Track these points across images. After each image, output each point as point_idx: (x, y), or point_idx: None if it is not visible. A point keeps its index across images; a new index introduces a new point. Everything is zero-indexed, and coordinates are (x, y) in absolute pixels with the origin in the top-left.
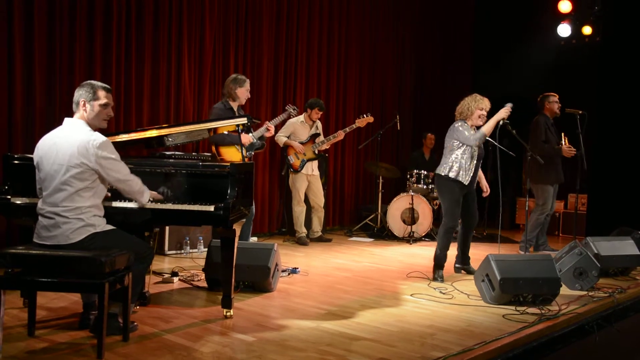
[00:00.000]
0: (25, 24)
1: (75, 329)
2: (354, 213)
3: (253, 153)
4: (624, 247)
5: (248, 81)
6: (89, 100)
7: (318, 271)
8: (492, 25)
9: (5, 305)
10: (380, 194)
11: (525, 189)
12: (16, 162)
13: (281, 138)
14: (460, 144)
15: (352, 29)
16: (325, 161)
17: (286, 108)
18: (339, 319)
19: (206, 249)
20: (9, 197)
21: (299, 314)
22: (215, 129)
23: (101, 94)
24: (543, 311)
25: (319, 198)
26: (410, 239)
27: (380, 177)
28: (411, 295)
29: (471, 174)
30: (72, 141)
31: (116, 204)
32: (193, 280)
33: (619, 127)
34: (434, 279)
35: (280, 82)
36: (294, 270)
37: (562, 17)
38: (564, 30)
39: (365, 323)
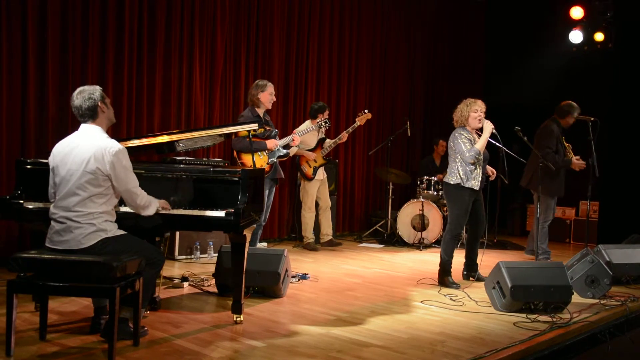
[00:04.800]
0: (39, 31)
1: (86, 333)
2: (364, 219)
3: (276, 160)
4: (636, 254)
5: (270, 85)
6: (102, 100)
7: (328, 277)
8: (504, 32)
9: (17, 309)
10: (390, 200)
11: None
12: (29, 167)
13: (292, 148)
14: None
15: (363, 34)
16: (336, 167)
17: (318, 121)
18: (349, 325)
19: (216, 254)
20: (22, 201)
21: (309, 320)
22: (236, 133)
23: (103, 93)
24: (554, 319)
25: (326, 199)
26: (420, 245)
27: (391, 183)
28: (421, 301)
29: (479, 179)
30: (89, 147)
31: (127, 209)
32: (203, 286)
33: (630, 134)
34: (448, 286)
35: (291, 88)
36: (303, 276)
37: (574, 24)
38: (576, 36)
39: (376, 329)
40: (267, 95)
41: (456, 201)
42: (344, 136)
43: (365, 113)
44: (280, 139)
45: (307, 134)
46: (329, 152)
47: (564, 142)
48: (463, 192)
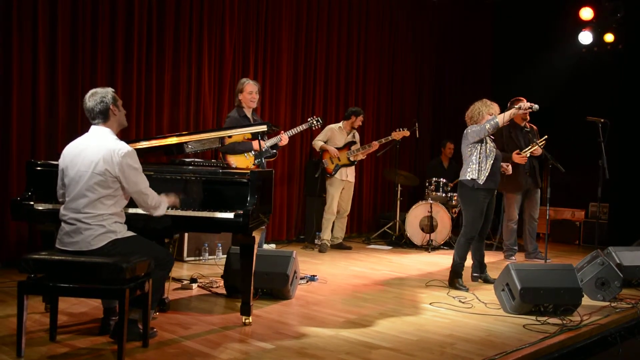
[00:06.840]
0: (49, 34)
1: (95, 335)
2: (372, 221)
3: (264, 161)
4: None
5: (248, 83)
6: (115, 103)
7: (336, 279)
8: (513, 33)
9: (28, 310)
10: (398, 202)
11: (545, 197)
12: (39, 168)
13: (318, 142)
14: (476, 147)
15: (372, 35)
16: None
17: (308, 119)
18: (358, 327)
19: (225, 256)
20: (32, 203)
21: (318, 321)
22: (224, 138)
23: (116, 95)
24: (564, 322)
25: (346, 204)
26: (429, 247)
27: (399, 185)
28: (430, 304)
29: (487, 174)
30: (98, 149)
31: (136, 210)
32: (212, 287)
33: None
34: (458, 288)
35: (299, 90)
36: (312, 278)
37: (584, 25)
38: (586, 37)
39: (384, 332)
40: (245, 95)
41: (471, 203)
42: (374, 145)
43: (403, 130)
44: (268, 139)
45: (335, 132)
46: (356, 155)
47: (520, 138)
48: (478, 194)
